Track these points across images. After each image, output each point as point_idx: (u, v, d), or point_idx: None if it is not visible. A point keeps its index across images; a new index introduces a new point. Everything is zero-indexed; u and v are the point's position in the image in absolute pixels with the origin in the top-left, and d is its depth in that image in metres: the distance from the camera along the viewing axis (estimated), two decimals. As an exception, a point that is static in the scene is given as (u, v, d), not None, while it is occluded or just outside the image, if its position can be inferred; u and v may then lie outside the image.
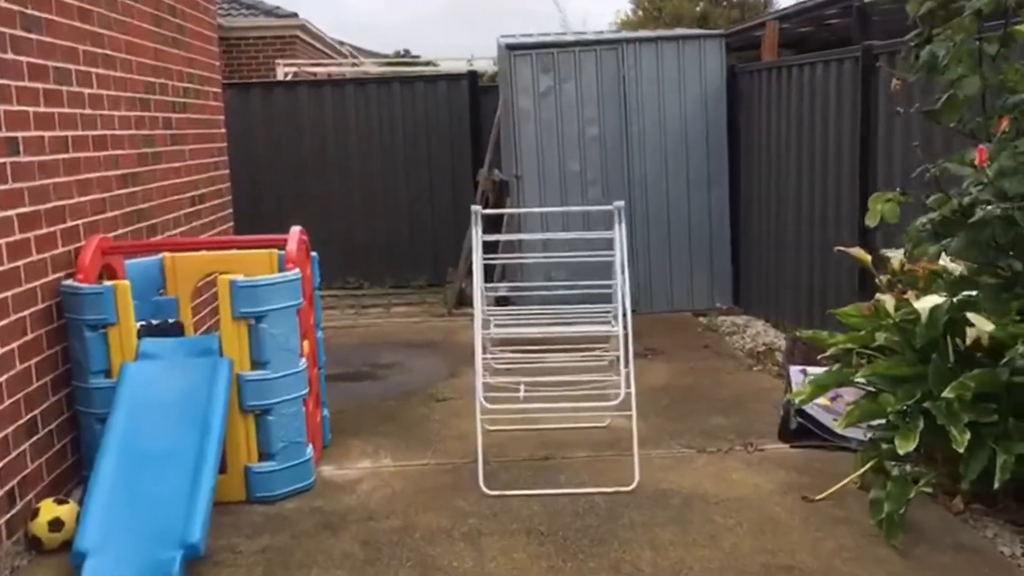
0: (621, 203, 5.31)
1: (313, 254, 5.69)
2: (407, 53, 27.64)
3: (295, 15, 17.48)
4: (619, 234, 5.21)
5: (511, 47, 9.03)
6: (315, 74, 14.15)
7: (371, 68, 16.62)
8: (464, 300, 10.01)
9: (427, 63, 20.44)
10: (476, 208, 5.51)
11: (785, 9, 9.94)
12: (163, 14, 6.69)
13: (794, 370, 5.88)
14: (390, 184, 11.20)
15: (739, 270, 9.28)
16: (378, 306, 10.25)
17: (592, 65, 9.04)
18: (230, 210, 8.27)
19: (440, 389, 6.74)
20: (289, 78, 13.11)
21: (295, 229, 5.28)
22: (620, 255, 5.18)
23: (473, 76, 11.14)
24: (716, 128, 9.12)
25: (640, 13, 30.13)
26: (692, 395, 6.46)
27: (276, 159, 11.10)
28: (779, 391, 6.47)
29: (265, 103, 11.02)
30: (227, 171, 8.38)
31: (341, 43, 20.41)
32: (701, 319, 8.85)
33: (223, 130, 8.32)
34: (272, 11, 17.63)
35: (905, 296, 4.50)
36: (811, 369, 5.93)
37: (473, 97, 11.10)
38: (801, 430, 5.37)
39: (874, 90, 6.29)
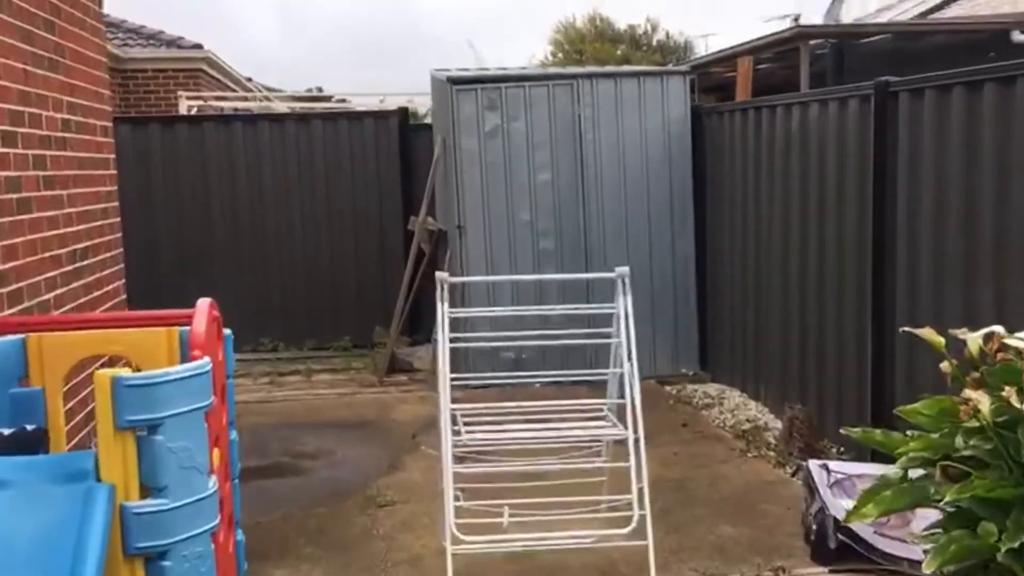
0: (626, 269, 4.26)
1: (227, 332, 4.46)
2: (319, 91, 26.40)
3: (199, 46, 16.13)
4: (624, 307, 4.14)
5: (453, 81, 7.98)
6: (222, 109, 12.82)
7: (279, 105, 15.37)
8: (398, 366, 8.82)
9: (340, 101, 19.26)
10: (443, 276, 4.37)
11: (755, 40, 9.11)
12: (37, 29, 5.40)
13: (814, 466, 4.89)
14: (310, 233, 9.96)
15: (705, 331, 8.34)
16: (297, 373, 8.96)
17: (544, 102, 8.05)
18: (120, 265, 6.93)
19: (381, 488, 5.54)
20: (194, 112, 11.77)
21: (204, 302, 4.06)
22: (626, 335, 4.10)
23: (404, 113, 10.05)
24: (680, 174, 8.22)
25: (560, 56, 29.57)
26: (687, 494, 5.41)
27: (178, 204, 9.76)
28: (786, 485, 5.49)
29: (166, 140, 9.70)
30: (117, 219, 7.06)
31: (249, 79, 19.08)
32: (668, 388, 7.85)
33: (113, 171, 7.02)
34: (174, 42, 16.25)
35: (1000, 392, 3.53)
36: (836, 466, 4.95)
37: (404, 137, 10.00)
38: (843, 549, 4.35)
39: (892, 134, 5.41)
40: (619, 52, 27.03)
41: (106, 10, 17.22)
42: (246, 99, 15.04)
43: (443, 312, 4.20)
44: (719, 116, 7.89)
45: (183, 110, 11.67)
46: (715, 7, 48.80)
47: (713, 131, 7.99)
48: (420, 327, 9.88)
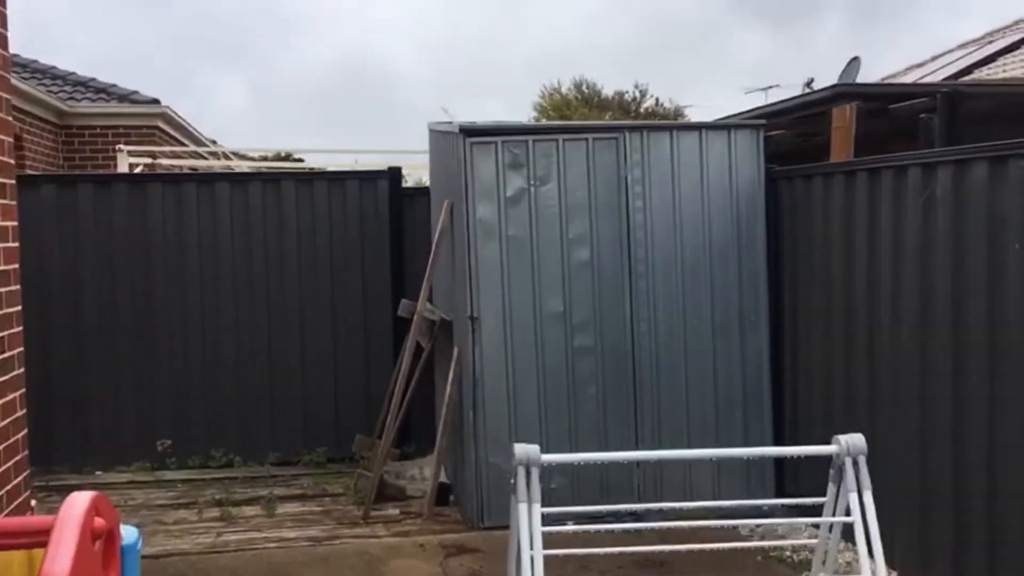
0: (860, 442, 2.44)
1: (129, 533, 2.56)
2: (287, 156, 24.71)
3: (156, 101, 14.36)
4: (861, 503, 2.29)
5: (467, 132, 6.23)
6: (173, 167, 10.94)
7: (241, 165, 13.59)
8: (388, 493, 6.89)
9: (310, 169, 17.48)
10: (525, 451, 2.53)
11: (785, 101, 7.49)
12: None
13: None
14: (277, 318, 8.08)
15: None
16: (257, 502, 6.98)
17: (581, 160, 6.32)
18: (19, 371, 5.03)
19: None
20: (140, 170, 9.90)
21: (76, 504, 2.17)
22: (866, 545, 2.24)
23: (395, 175, 8.27)
24: (751, 253, 6.49)
25: (544, 121, 28.23)
26: None
27: (110, 281, 7.87)
28: None
29: (99, 203, 7.83)
30: (17, 308, 5.23)
31: (213, 142, 17.29)
32: (749, 542, 5.94)
33: (13, 243, 5.20)
34: (127, 96, 14.47)
35: None
36: None
37: (395, 202, 8.22)
38: None
39: None
40: (608, 118, 25.77)
41: (50, 62, 15.10)
42: (205, 158, 13.19)
43: (527, 517, 2.33)
44: (805, 181, 6.19)
45: (123, 167, 9.81)
46: (691, 80, 48.22)
47: (796, 200, 6.29)
48: (412, 436, 7.98)
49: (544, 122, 7.07)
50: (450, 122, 7.04)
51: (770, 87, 15.58)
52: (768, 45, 52.49)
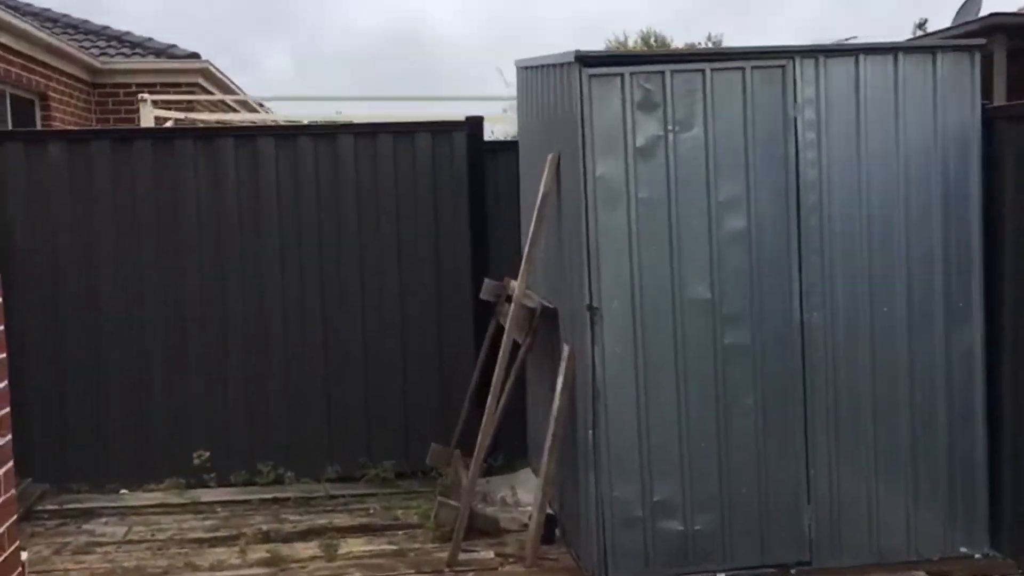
0: None
1: None
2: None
3: (195, 55, 12.99)
4: None
5: (584, 60, 4.66)
6: (206, 122, 9.46)
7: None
8: (477, 525, 5.44)
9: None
10: None
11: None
12: None
13: None
14: (333, 306, 6.65)
15: (1000, 481, 4.94)
16: (313, 535, 5.58)
17: (735, 98, 4.73)
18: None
19: None
20: (170, 124, 8.47)
21: None
22: None
23: (475, 126, 6.73)
24: (962, 218, 4.87)
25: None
26: None
27: (133, 261, 6.48)
28: None
29: (119, 165, 6.43)
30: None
31: (261, 105, 15.87)
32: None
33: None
34: (164, 50, 13.11)
35: None
36: None
37: (475, 160, 6.69)
38: None
39: None
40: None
41: (85, 16, 13.55)
42: (250, 112, 11.77)
43: None
44: (1046, 119, 4.55)
45: (148, 121, 8.39)
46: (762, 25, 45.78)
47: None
48: (499, 444, 6.51)
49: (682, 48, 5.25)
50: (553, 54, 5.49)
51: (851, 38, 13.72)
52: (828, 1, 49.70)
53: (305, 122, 13.67)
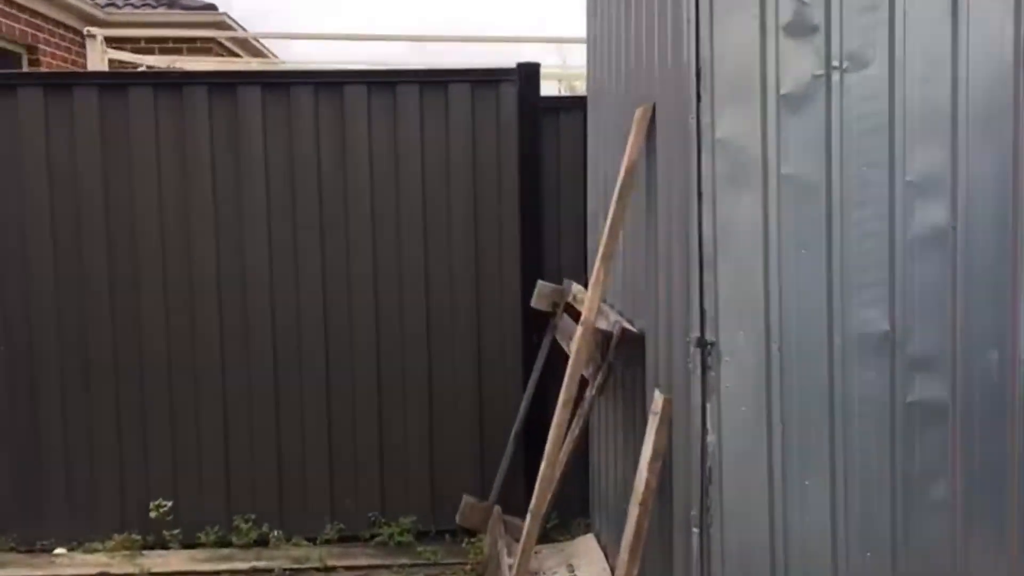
0: None
1: None
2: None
3: (211, 7, 11.49)
4: None
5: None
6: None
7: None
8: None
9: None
10: None
11: None
12: None
13: None
14: (338, 313, 5.07)
15: None
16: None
17: (940, 19, 3.01)
18: None
19: None
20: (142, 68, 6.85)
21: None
22: None
23: (529, 75, 5.05)
24: None
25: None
26: None
27: (81, 243, 4.94)
28: None
29: (56, 117, 4.87)
30: None
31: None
32: None
33: None
34: (177, 1, 11.63)
35: None
36: None
37: (528, 120, 5.04)
38: None
39: None
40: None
41: None
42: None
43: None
44: None
45: (98, 62, 6.79)
46: None
47: None
48: (563, 500, 4.89)
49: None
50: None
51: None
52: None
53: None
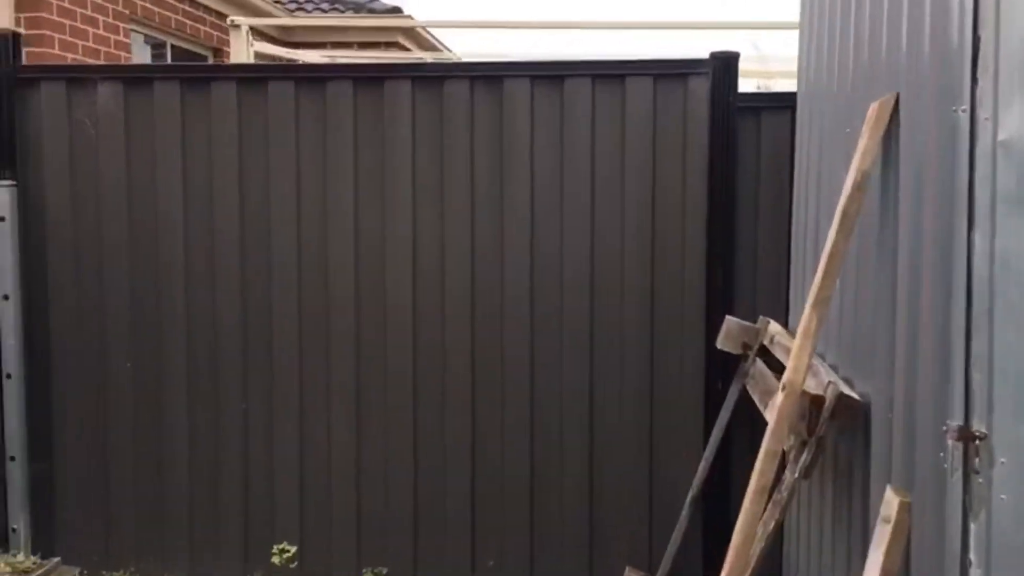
0: None
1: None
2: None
3: (397, 10, 11.21)
4: None
5: None
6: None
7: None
8: None
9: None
10: None
11: None
12: None
13: None
14: (488, 339, 4.36)
15: None
16: None
17: None
18: None
19: None
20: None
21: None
22: None
23: (726, 66, 4.17)
24: None
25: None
26: None
27: (193, 259, 4.48)
28: None
29: (189, 112, 4.42)
30: None
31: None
32: None
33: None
34: (364, 5, 11.43)
35: None
36: None
37: (722, 122, 4.16)
38: None
39: None
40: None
41: None
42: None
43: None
44: None
45: (242, 56, 6.39)
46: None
47: None
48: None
49: None
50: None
51: None
52: None
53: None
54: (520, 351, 4.31)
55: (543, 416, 4.32)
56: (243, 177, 4.41)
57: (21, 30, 6.65)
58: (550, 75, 4.25)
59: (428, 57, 10.60)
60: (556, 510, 4.35)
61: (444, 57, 11.16)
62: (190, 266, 4.45)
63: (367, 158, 4.34)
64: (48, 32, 6.77)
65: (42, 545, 4.55)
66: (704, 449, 4.14)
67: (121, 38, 7.74)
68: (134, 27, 8.06)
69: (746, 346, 3.99)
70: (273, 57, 6.92)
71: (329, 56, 7.58)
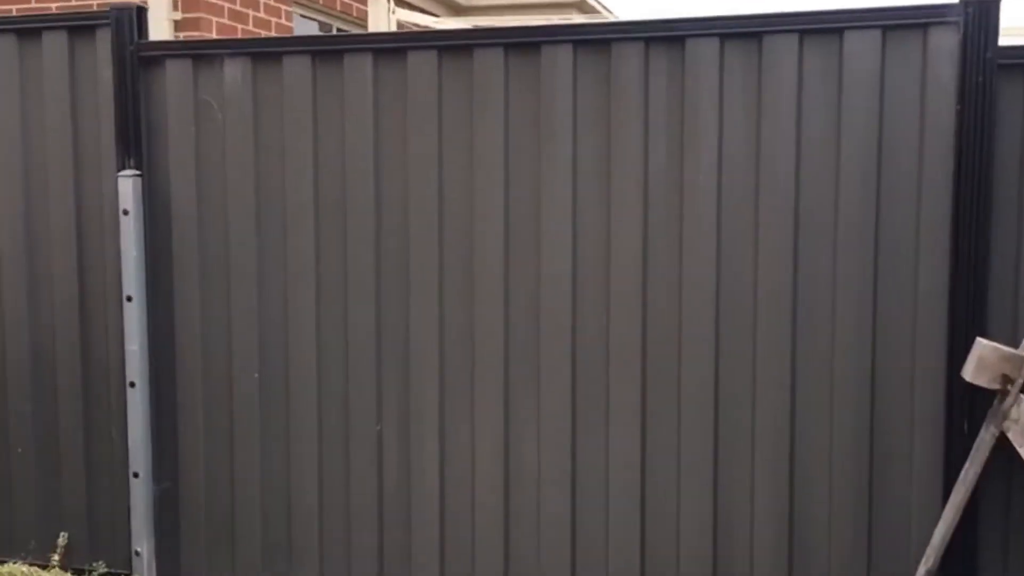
0: None
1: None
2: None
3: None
4: None
5: None
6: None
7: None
8: None
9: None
10: None
11: None
12: None
13: None
14: (660, 357, 3.57)
15: None
16: None
17: None
18: None
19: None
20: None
21: None
22: None
23: (982, 13, 3.19)
24: None
25: None
26: None
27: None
28: None
29: (323, 92, 3.87)
30: None
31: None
32: None
33: None
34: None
35: None
36: None
37: (973, 84, 3.19)
38: None
39: None
40: None
41: None
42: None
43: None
44: None
45: (382, 25, 5.75)
46: None
47: None
48: None
49: None
50: None
51: None
52: None
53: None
54: (699, 360, 3.50)
55: (728, 473, 3.50)
56: (379, 165, 3.81)
57: (178, 15, 6.39)
58: (745, 32, 3.40)
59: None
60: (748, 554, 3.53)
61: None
62: (321, 265, 3.91)
63: (520, 140, 3.64)
64: (205, 15, 6.47)
65: (166, 570, 4.16)
66: (943, 509, 3.21)
67: (283, 21, 7.41)
68: (297, 9, 7.73)
69: (1006, 379, 3.04)
70: (417, 26, 6.37)
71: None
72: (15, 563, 4.23)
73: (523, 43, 3.63)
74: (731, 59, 3.43)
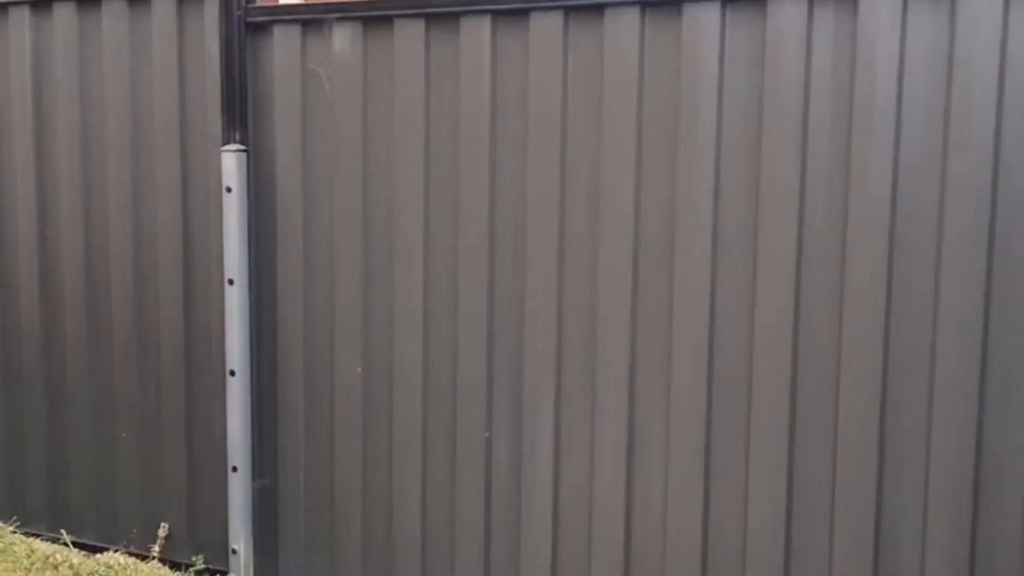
0: None
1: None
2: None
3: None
4: None
5: None
6: None
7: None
8: None
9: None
10: None
11: None
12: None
13: None
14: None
15: None
16: None
17: None
18: None
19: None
20: None
21: None
22: None
23: None
24: None
25: None
26: None
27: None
28: None
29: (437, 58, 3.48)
30: None
31: None
32: None
33: None
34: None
35: None
36: None
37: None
38: None
39: None
40: None
41: None
42: None
43: None
44: None
45: None
46: None
47: None
48: None
49: None
50: None
51: None
52: None
53: None
54: (857, 417, 2.91)
55: (891, 499, 2.91)
56: (494, 147, 3.39)
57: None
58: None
59: None
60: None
61: None
62: (429, 251, 3.53)
63: (655, 109, 3.14)
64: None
65: (265, 569, 3.91)
66: None
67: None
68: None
69: None
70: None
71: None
72: (115, 551, 4.09)
73: (660, 2, 3.12)
74: (819, 16, 2.80)
